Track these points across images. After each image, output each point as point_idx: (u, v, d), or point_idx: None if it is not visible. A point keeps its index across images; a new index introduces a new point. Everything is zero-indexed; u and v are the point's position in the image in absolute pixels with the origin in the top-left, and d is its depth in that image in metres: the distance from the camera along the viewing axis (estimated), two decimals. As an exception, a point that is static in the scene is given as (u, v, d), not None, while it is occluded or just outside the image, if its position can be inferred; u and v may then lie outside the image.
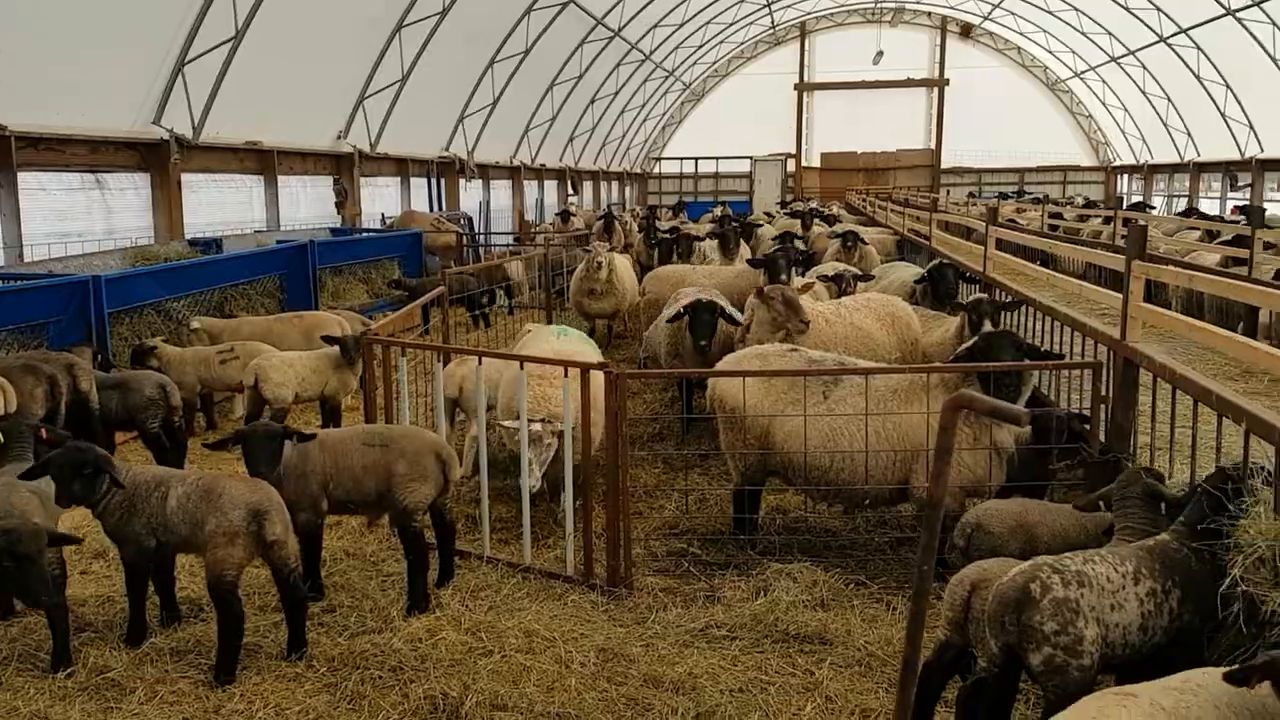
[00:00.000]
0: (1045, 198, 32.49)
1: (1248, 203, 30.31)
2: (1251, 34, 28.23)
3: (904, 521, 7.54)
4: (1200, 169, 36.59)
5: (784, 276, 10.54)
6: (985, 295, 8.74)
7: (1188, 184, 37.51)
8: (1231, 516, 4.16)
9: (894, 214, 22.39)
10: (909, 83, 48.24)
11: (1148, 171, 41.34)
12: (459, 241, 21.66)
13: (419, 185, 26.16)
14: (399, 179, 25.43)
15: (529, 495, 6.68)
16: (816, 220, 22.38)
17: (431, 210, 25.08)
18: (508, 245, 24.92)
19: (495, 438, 7.71)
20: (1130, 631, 4.06)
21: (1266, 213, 22.31)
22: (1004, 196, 33.71)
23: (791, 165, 48.17)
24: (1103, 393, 6.08)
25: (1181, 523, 4.32)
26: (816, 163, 49.31)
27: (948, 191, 41.34)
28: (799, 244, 16.21)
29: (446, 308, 11.73)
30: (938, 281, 10.07)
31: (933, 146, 48.40)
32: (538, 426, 6.73)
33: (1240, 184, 33.54)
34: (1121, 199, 41.71)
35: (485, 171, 29.91)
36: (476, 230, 27.25)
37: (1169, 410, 5.42)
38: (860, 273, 12.03)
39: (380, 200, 24.43)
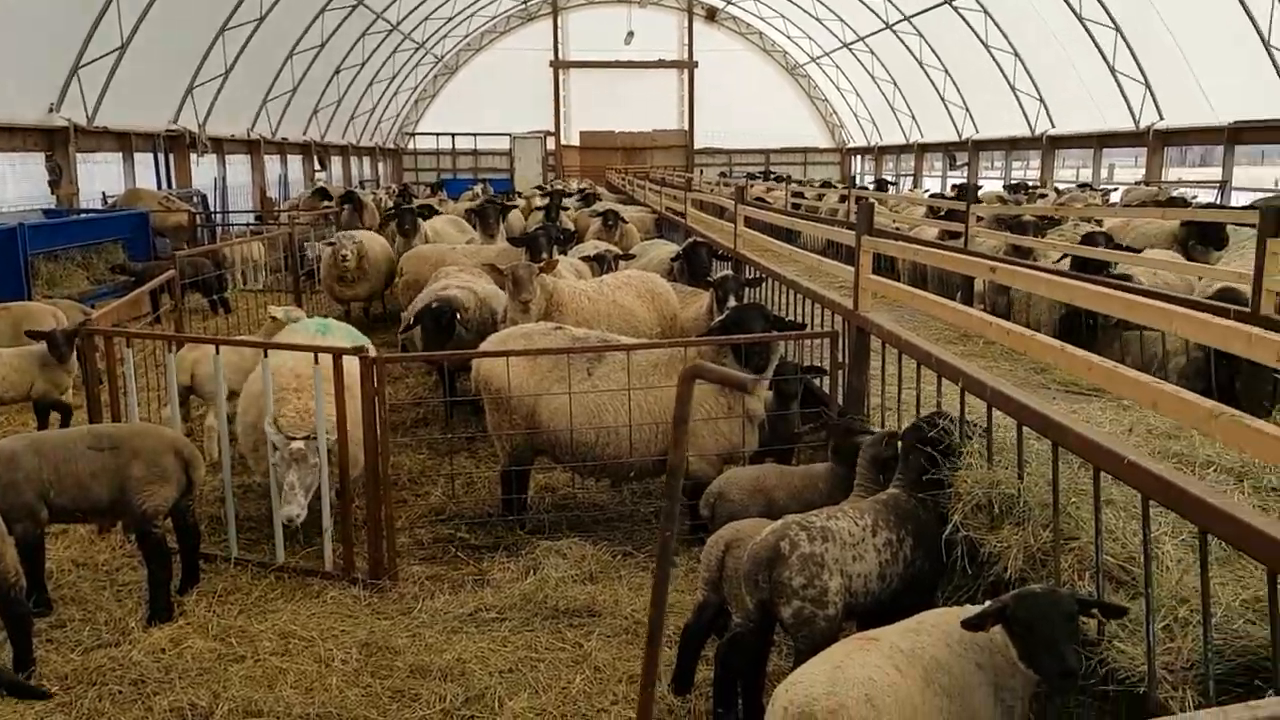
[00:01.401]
0: (787, 178, 34.36)
1: (965, 181, 33.31)
2: (966, 22, 30.86)
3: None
4: (924, 150, 39.80)
5: (545, 254, 10.54)
6: (730, 273, 9.10)
7: (914, 164, 40.73)
8: (952, 467, 4.55)
9: (651, 193, 22.95)
10: (660, 64, 49.41)
11: (878, 153, 44.50)
12: (191, 221, 20.30)
13: (145, 161, 24.16)
14: (121, 155, 23.40)
15: (285, 517, 6.15)
16: (573, 200, 22.54)
17: (160, 188, 23.26)
18: (248, 225, 23.54)
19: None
20: (871, 580, 4.36)
21: (981, 190, 24.58)
22: (752, 177, 35.22)
23: (551, 143, 48.28)
24: (839, 360, 6.49)
25: (899, 477, 4.69)
26: (577, 141, 49.70)
27: (701, 171, 42.85)
28: (568, 223, 16.34)
29: (178, 293, 10.92)
30: (692, 259, 10.40)
31: (685, 128, 49.87)
32: (300, 444, 6.08)
33: (959, 163, 36.78)
34: (855, 179, 44.77)
35: (220, 146, 28.02)
36: (212, 209, 25.57)
37: (897, 373, 5.86)
38: (621, 251, 12.23)
39: (101, 178, 22.41)
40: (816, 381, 7.25)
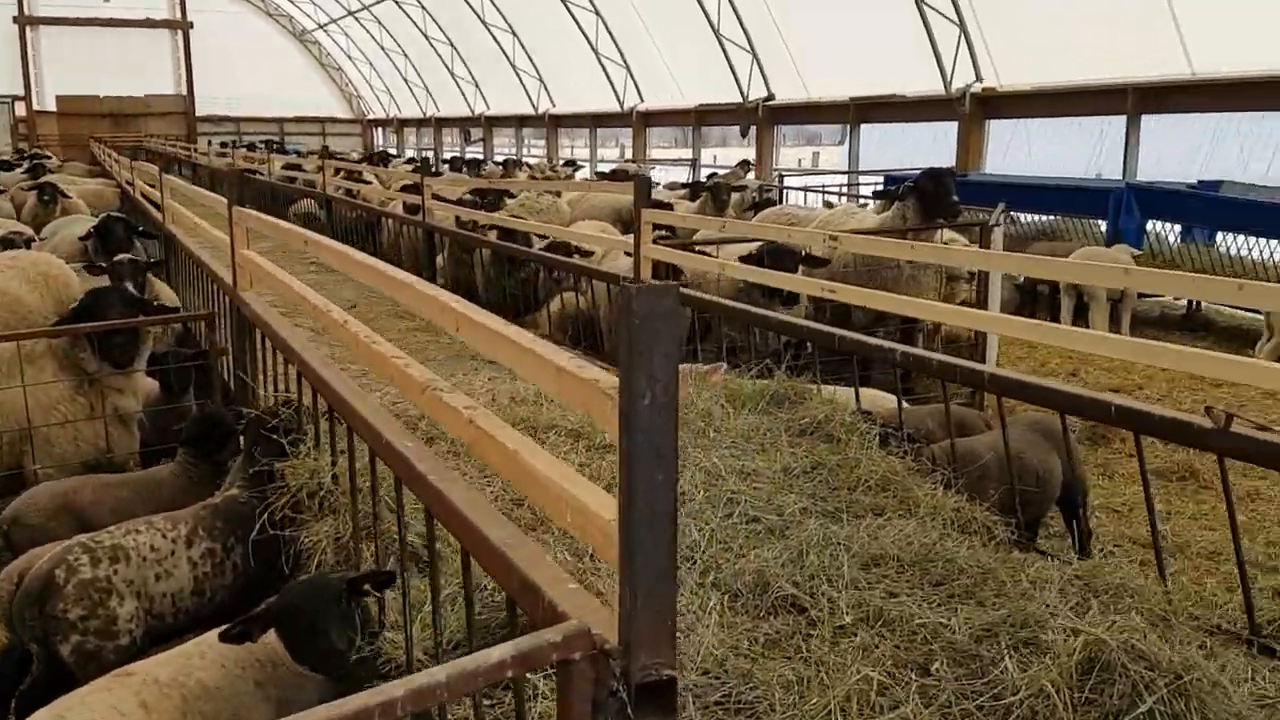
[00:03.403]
0: (271, 144, 32.45)
1: (480, 156, 33.81)
2: (467, 2, 31.11)
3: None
4: (441, 124, 39.90)
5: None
6: (129, 256, 8.10)
7: (432, 138, 40.74)
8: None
9: (121, 165, 20.38)
10: (149, 23, 44.55)
11: (398, 125, 43.90)
12: None
13: None
14: None
15: None
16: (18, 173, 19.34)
17: None
18: None
19: None
20: (183, 598, 3.87)
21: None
22: (251, 147, 32.90)
23: (21, 109, 41.60)
24: (221, 344, 5.90)
25: (240, 474, 4.25)
26: (53, 107, 43.27)
27: (209, 141, 39.36)
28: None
29: None
30: (106, 236, 9.16)
31: (185, 93, 45.49)
32: None
33: (474, 139, 37.32)
34: (386, 152, 43.75)
35: None
36: None
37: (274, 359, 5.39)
38: (33, 235, 10.53)
39: None
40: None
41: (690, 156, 25.68)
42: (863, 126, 21.31)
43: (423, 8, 34.28)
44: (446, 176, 18.09)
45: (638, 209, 6.74)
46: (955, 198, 7.51)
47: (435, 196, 10.81)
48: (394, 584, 3.14)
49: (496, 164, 23.36)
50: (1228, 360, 3.53)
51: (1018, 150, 18.38)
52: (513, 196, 12.01)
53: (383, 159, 24.33)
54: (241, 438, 4.41)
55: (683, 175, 24.39)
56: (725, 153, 27.45)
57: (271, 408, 4.36)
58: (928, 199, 7.59)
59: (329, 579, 3.13)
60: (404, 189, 12.97)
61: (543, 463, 2.04)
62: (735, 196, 13.49)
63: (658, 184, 17.80)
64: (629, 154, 28.02)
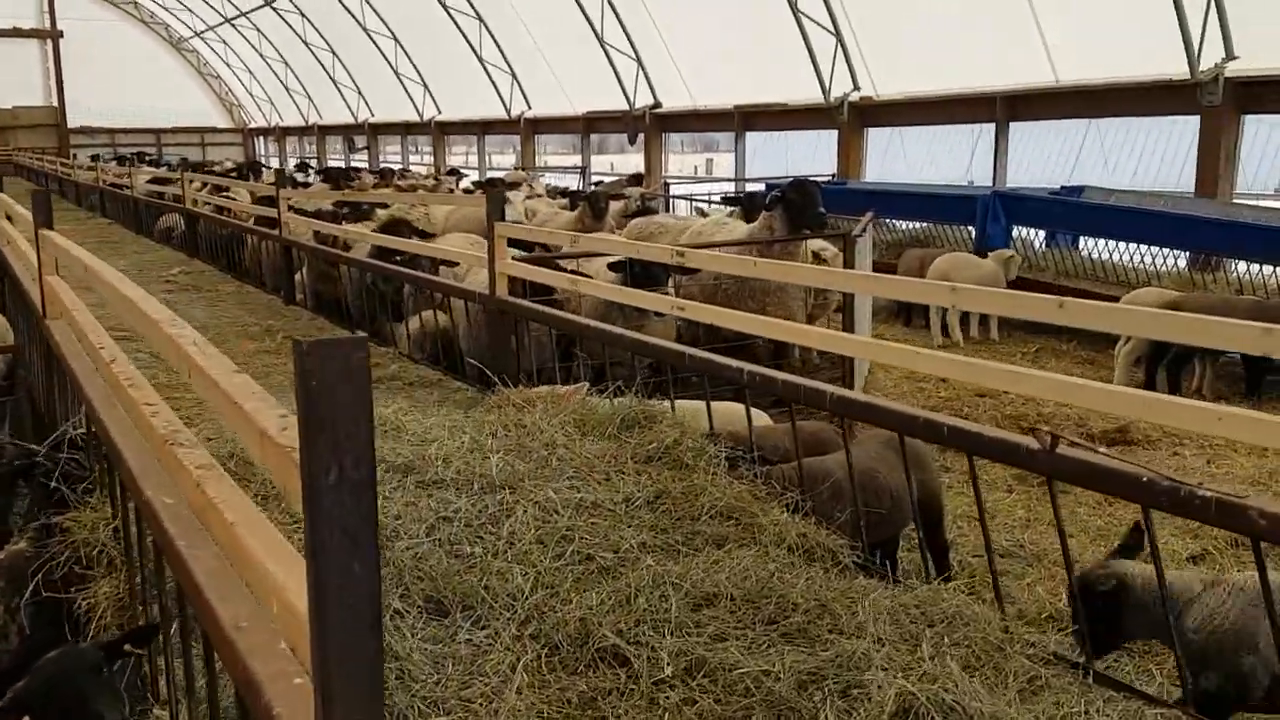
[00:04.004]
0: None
1: (368, 163, 32.99)
2: (343, 4, 30.31)
3: None
4: (325, 132, 38.88)
5: None
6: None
7: (316, 147, 39.67)
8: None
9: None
10: (16, 32, 42.32)
11: (280, 134, 42.64)
12: None
13: None
14: None
15: None
16: None
17: None
18: None
19: None
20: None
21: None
22: (122, 160, 31.52)
23: None
24: (27, 377, 5.42)
25: (21, 524, 3.85)
26: (-97, 118, 40.77)
27: (74, 155, 37.54)
28: None
29: None
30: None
31: (55, 104, 43.35)
32: None
33: (359, 147, 36.43)
34: (258, 163, 42.40)
35: None
36: None
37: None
38: None
39: None
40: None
41: (581, 164, 25.47)
42: (752, 135, 21.43)
43: (302, 14, 33.32)
44: (315, 188, 17.48)
45: (490, 223, 6.49)
46: (821, 209, 7.44)
47: (293, 209, 10.34)
48: (156, 636, 2.82)
49: (373, 173, 22.73)
50: (1055, 381, 3.47)
51: (896, 158, 18.70)
52: (386, 207, 11.58)
53: (254, 169, 23.45)
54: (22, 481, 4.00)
55: (575, 183, 24.17)
56: (622, 160, 27.33)
57: (54, 452, 3.96)
58: (793, 209, 7.51)
59: (83, 649, 2.81)
60: (258, 201, 12.44)
61: (260, 540, 1.77)
62: (618, 205, 13.31)
63: (540, 193, 17.54)
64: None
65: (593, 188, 18.54)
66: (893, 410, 3.79)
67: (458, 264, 8.24)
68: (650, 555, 3.72)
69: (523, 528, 3.77)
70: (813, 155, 20.18)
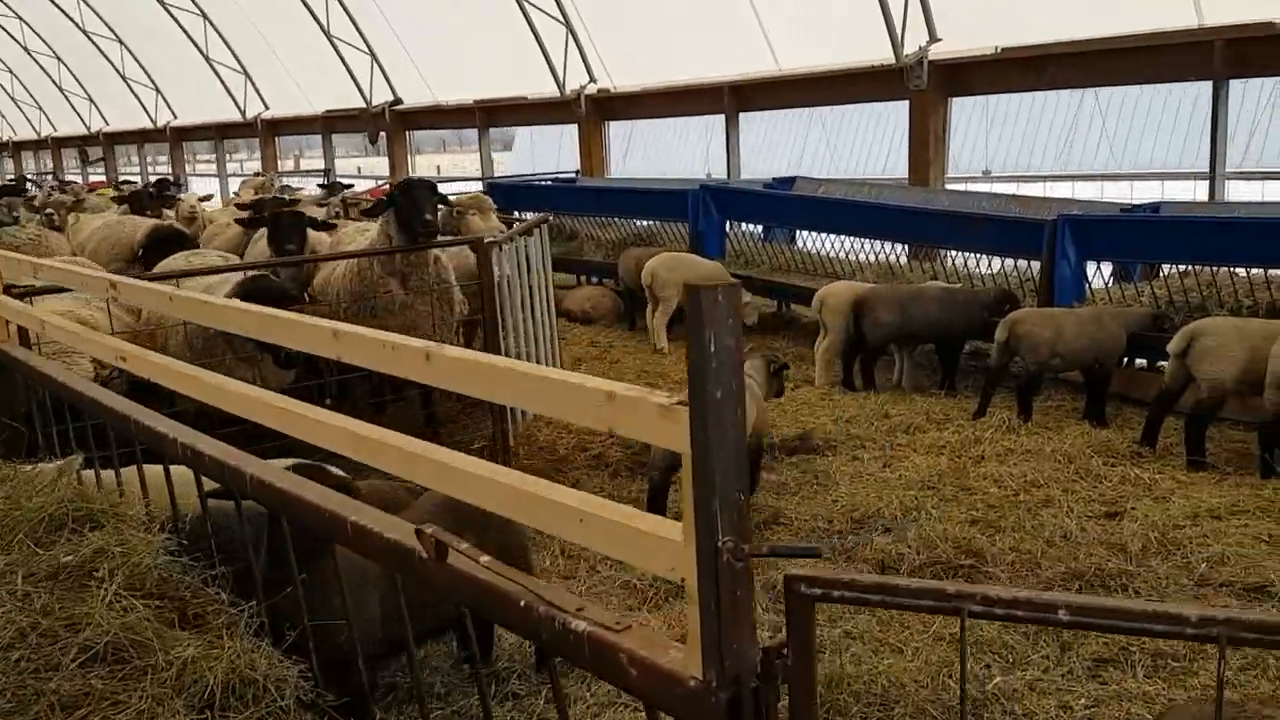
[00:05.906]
0: None
1: (102, 175, 30.08)
2: (59, 7, 27.35)
3: None
4: (60, 144, 35.47)
5: None
6: None
7: (51, 160, 36.23)
8: None
9: None
10: None
11: (14, 148, 38.71)
12: None
13: None
14: None
15: None
16: None
17: None
18: None
19: None
20: None
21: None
22: None
23: None
24: None
25: None
26: None
27: None
28: None
29: None
30: None
31: None
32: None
33: (94, 159, 33.32)
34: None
35: None
36: None
37: None
38: None
39: None
40: None
41: (324, 166, 23.83)
42: (521, 132, 20.44)
43: (19, 17, 29.93)
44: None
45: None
46: (428, 216, 6.45)
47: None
48: None
49: (56, 185, 20.40)
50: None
51: (637, 153, 18.13)
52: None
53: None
54: None
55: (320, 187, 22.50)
56: (369, 163, 25.81)
57: None
58: (402, 216, 6.54)
59: None
60: None
61: None
62: (322, 211, 11.86)
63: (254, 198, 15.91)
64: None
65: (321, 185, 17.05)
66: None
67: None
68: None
69: None
70: (559, 152, 19.40)
